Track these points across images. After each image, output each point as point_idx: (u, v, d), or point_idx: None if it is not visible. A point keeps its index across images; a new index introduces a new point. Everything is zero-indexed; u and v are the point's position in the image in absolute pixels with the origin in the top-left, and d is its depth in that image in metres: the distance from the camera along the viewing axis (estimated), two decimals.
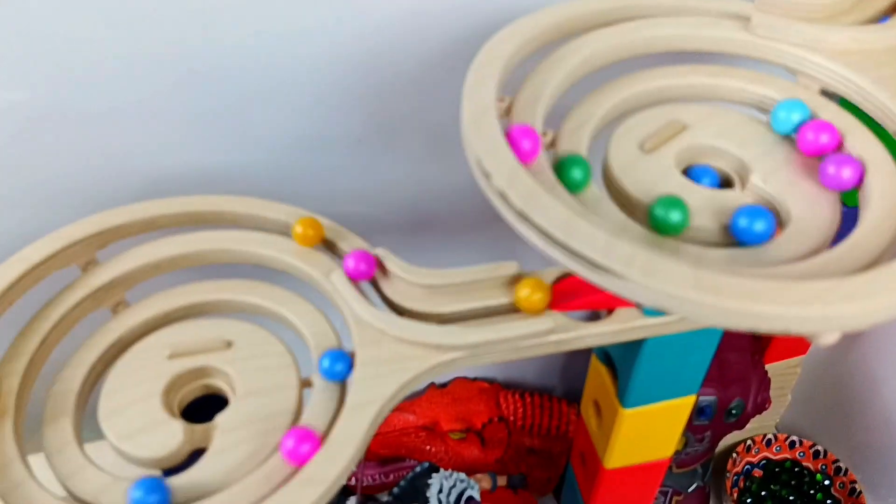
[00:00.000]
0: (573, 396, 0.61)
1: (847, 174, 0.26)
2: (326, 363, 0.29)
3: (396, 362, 0.29)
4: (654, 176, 0.27)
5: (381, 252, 0.32)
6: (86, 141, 0.39)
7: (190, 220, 0.34)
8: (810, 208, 0.26)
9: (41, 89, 0.35)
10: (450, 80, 0.41)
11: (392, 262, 0.32)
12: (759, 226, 0.24)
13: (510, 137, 0.25)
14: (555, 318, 0.30)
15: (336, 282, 0.31)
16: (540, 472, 0.60)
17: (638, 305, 0.31)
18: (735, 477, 0.64)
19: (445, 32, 0.38)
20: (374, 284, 0.32)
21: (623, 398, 0.35)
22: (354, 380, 0.29)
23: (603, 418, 0.38)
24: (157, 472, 0.28)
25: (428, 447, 0.58)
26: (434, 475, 0.49)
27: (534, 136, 0.26)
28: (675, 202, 0.24)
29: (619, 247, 0.21)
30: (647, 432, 0.37)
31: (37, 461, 0.28)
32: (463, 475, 0.50)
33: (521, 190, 0.23)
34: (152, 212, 0.33)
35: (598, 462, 0.40)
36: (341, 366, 0.29)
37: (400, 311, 0.31)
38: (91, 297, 0.32)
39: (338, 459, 0.26)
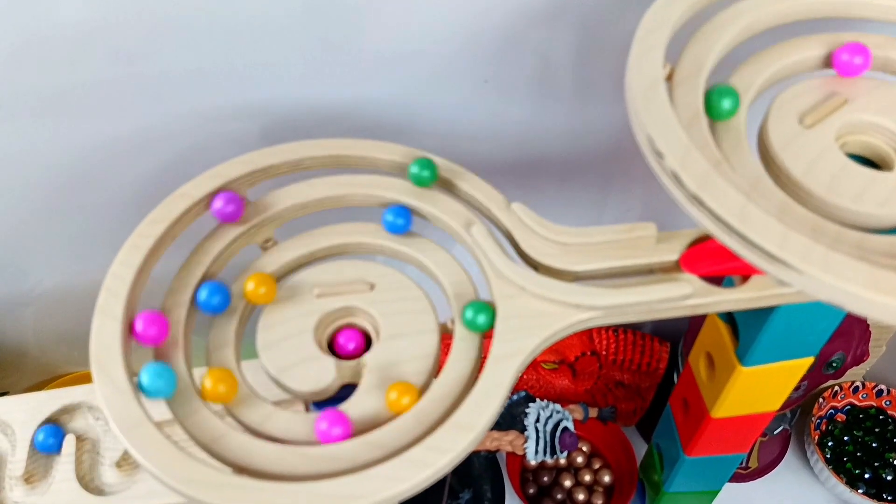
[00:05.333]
0: (662, 334, 0.63)
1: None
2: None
3: (537, 317, 0.30)
4: (814, 153, 0.27)
5: (517, 207, 0.33)
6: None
7: (334, 163, 0.35)
8: None
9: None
10: (574, 29, 0.41)
11: (529, 217, 0.32)
12: None
13: None
14: (692, 283, 0.30)
15: (476, 235, 0.32)
16: (626, 404, 0.62)
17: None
18: (818, 420, 0.65)
19: None
20: (510, 237, 0.33)
21: (743, 357, 0.36)
22: (496, 332, 0.30)
23: (716, 371, 0.39)
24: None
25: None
26: (531, 405, 0.51)
27: None
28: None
29: (796, 239, 0.22)
30: (760, 388, 0.38)
31: None
32: (559, 406, 0.51)
33: (696, 172, 0.23)
34: (299, 153, 0.35)
35: (704, 410, 0.41)
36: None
37: (534, 265, 0.32)
38: (245, 235, 0.34)
39: (487, 407, 0.28)
